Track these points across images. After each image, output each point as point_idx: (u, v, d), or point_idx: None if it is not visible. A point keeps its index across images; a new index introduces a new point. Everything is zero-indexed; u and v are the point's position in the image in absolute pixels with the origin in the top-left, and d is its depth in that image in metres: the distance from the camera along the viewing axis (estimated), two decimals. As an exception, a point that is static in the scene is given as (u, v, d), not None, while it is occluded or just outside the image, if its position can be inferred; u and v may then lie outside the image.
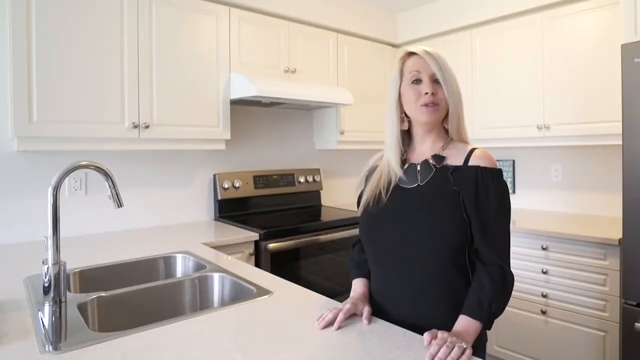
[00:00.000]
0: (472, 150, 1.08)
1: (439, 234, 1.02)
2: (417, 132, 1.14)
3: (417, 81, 1.09)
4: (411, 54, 1.12)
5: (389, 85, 1.15)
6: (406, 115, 1.13)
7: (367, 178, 1.21)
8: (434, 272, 1.04)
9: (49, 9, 1.82)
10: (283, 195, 2.92)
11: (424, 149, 1.14)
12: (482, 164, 1.04)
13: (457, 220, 1.01)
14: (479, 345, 1.01)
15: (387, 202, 1.10)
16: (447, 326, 0.97)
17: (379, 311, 1.10)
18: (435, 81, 1.08)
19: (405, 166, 1.13)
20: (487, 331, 1.05)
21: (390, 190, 1.11)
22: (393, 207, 1.09)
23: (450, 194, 1.03)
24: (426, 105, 1.07)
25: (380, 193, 1.12)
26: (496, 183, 1.03)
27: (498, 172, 1.05)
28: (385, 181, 1.12)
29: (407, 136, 1.17)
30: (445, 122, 1.12)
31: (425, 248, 1.03)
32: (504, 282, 1.00)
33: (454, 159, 1.08)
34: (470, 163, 1.05)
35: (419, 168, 1.11)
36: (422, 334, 0.94)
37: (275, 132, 3.02)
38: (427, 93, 1.06)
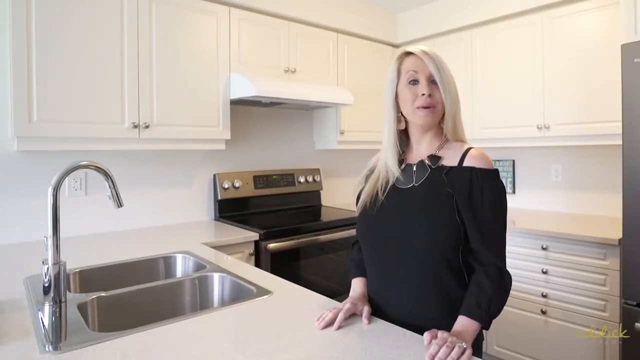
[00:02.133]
0: (468, 150, 1.08)
1: (432, 235, 1.02)
2: (414, 132, 1.14)
3: (414, 82, 1.08)
4: (408, 53, 1.12)
5: (386, 85, 1.15)
6: (403, 115, 1.13)
7: (367, 178, 1.21)
8: (427, 271, 1.04)
9: (49, 9, 1.82)
10: (283, 195, 2.92)
11: (421, 148, 1.14)
12: (477, 164, 1.04)
13: (450, 222, 1.01)
14: (475, 343, 1.01)
15: (384, 202, 1.10)
16: (440, 325, 0.97)
17: (375, 310, 1.11)
18: (432, 82, 1.07)
19: (402, 166, 1.13)
20: (485, 330, 1.05)
21: (387, 190, 1.11)
22: (389, 207, 1.09)
23: (443, 195, 1.03)
24: (422, 107, 1.06)
25: (377, 193, 1.12)
26: (491, 184, 1.02)
27: (493, 173, 1.04)
28: (382, 182, 1.13)
29: (404, 136, 1.17)
30: (442, 122, 1.12)
31: (418, 248, 1.03)
32: (502, 283, 1.00)
33: (450, 159, 1.08)
34: (465, 163, 1.05)
35: (414, 168, 1.11)
36: (417, 333, 0.94)
37: (275, 132, 3.02)
38: (423, 94, 1.06)
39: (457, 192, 1.02)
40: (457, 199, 1.02)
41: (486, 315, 0.97)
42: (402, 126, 1.14)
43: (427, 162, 1.10)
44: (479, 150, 1.08)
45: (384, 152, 1.15)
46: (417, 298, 1.05)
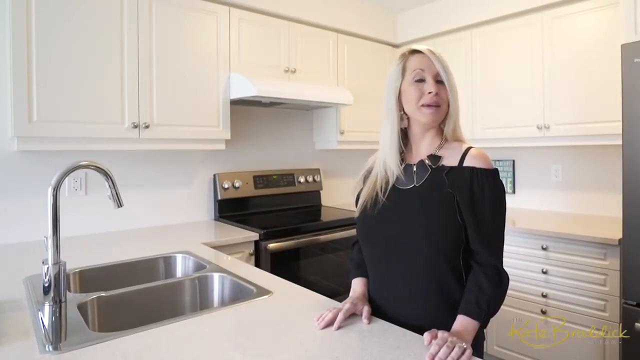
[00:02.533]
0: (468, 149, 1.07)
1: (433, 236, 1.02)
2: (415, 131, 1.13)
3: (420, 80, 1.08)
4: (414, 51, 1.11)
5: (388, 82, 1.14)
6: (404, 113, 1.12)
7: (365, 178, 1.21)
8: (428, 272, 1.04)
9: (49, 9, 1.82)
10: (283, 195, 2.92)
11: (421, 148, 1.13)
12: (477, 164, 1.04)
13: (451, 222, 1.01)
14: (476, 343, 1.01)
15: (384, 203, 1.09)
16: (440, 325, 0.97)
17: (376, 310, 1.10)
18: (438, 81, 1.07)
19: (402, 166, 1.12)
20: (485, 330, 1.06)
21: (388, 191, 1.11)
22: (390, 208, 1.09)
23: (444, 196, 1.03)
24: (429, 105, 1.06)
25: (377, 194, 1.11)
26: (492, 184, 1.02)
27: (494, 173, 1.04)
28: (382, 182, 1.12)
29: (403, 135, 1.16)
30: (443, 122, 1.12)
31: (419, 249, 1.03)
32: (501, 282, 1.01)
33: (450, 159, 1.08)
34: (466, 163, 1.05)
35: (415, 169, 1.11)
36: (417, 333, 0.94)
37: (275, 132, 3.02)
38: (430, 92, 1.06)
39: (457, 192, 1.02)
40: (458, 199, 1.02)
41: (485, 314, 0.98)
42: (405, 124, 1.13)
43: (427, 162, 1.10)
44: (478, 150, 1.08)
45: (383, 151, 1.14)
46: (418, 298, 1.05)
